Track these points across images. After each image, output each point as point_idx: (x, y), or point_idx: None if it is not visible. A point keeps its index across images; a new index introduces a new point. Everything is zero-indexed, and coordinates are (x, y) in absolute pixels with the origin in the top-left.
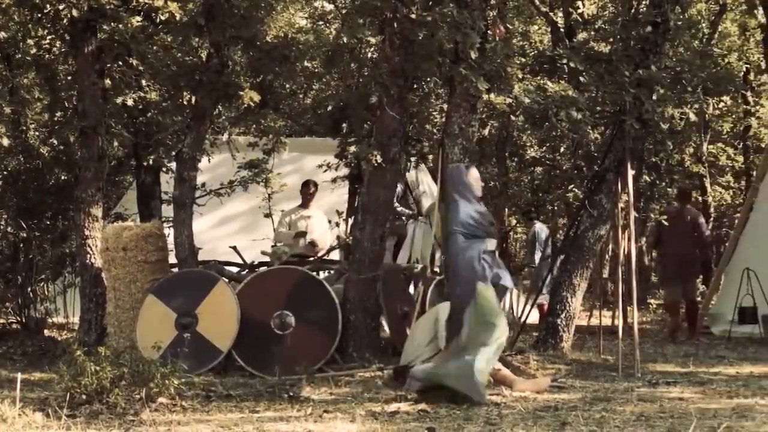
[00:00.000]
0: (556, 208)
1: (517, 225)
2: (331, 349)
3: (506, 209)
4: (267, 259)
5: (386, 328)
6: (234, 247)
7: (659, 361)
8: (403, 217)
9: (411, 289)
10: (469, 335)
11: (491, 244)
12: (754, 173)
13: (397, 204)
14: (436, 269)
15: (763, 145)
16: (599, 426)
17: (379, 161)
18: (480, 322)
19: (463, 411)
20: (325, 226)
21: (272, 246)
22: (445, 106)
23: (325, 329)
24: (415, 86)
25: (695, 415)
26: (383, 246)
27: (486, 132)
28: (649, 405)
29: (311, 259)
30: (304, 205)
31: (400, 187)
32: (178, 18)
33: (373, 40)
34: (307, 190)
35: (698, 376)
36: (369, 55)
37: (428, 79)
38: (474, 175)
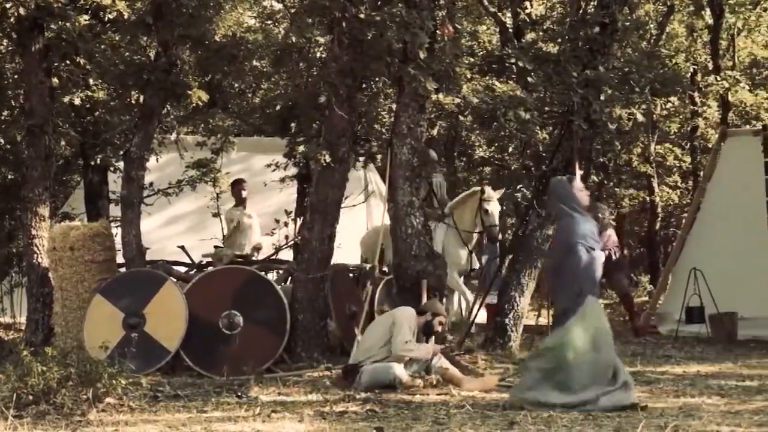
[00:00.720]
0: (504, 208)
1: None
2: (280, 349)
3: None
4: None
5: (334, 327)
6: (182, 247)
7: None
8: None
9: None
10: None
11: (602, 258)
12: (701, 173)
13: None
14: (385, 269)
15: (710, 146)
16: (547, 425)
17: (327, 161)
18: (589, 335)
19: (411, 411)
20: (258, 227)
21: (215, 247)
22: (394, 106)
23: (274, 329)
24: (363, 86)
25: (642, 414)
26: (332, 246)
27: (435, 132)
28: None
29: (256, 259)
30: (241, 203)
31: (423, 190)
32: (126, 17)
33: (321, 40)
34: (239, 189)
35: (645, 376)
36: (318, 54)
37: (377, 78)
38: (578, 186)
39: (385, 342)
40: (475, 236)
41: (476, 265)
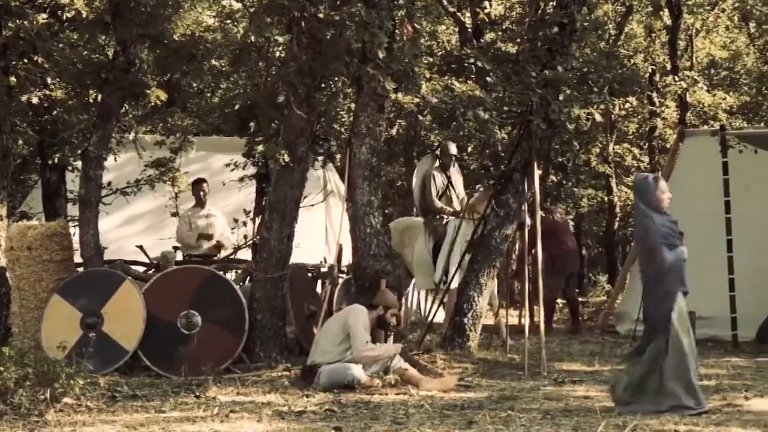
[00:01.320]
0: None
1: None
2: (238, 349)
3: (414, 208)
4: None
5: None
6: (140, 247)
7: (565, 360)
8: (444, 216)
9: (318, 288)
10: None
11: (686, 252)
12: (660, 173)
13: (437, 200)
14: (343, 269)
15: (668, 146)
16: (505, 425)
17: (286, 160)
18: (683, 330)
19: (370, 410)
20: (224, 225)
21: (173, 248)
22: (353, 106)
23: (232, 329)
24: (322, 85)
25: (601, 413)
26: (290, 245)
27: (394, 131)
28: (555, 403)
29: (216, 258)
30: (200, 204)
31: (443, 183)
32: (84, 15)
33: (281, 39)
34: (199, 189)
35: (604, 375)
36: (277, 54)
37: (336, 78)
38: (662, 188)
39: (340, 342)
40: None
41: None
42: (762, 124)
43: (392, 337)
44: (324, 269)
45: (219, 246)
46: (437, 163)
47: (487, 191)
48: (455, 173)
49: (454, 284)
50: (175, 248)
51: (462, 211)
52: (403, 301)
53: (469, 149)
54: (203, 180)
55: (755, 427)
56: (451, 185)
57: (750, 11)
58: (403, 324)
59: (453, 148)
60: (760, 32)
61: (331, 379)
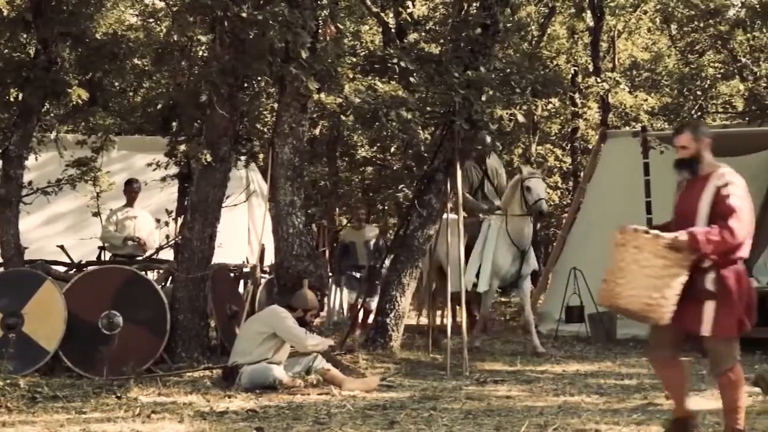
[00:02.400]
0: (386, 207)
1: (348, 225)
2: (160, 349)
3: (337, 209)
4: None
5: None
6: (61, 246)
7: (487, 360)
8: (479, 213)
9: (241, 288)
10: None
11: None
12: (582, 174)
13: (469, 196)
14: (266, 269)
15: (590, 147)
16: (427, 425)
17: (208, 160)
18: None
19: (292, 411)
20: (151, 226)
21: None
22: (276, 106)
23: (154, 329)
24: (245, 85)
25: (522, 413)
26: (212, 245)
27: (317, 131)
28: (477, 403)
29: (139, 258)
30: (130, 203)
31: (477, 177)
32: (5, 13)
33: (203, 39)
34: (131, 189)
35: (525, 375)
36: (200, 53)
37: (259, 78)
38: None
39: (260, 343)
40: (530, 225)
41: (530, 269)
42: None
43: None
44: (246, 269)
45: (141, 245)
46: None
47: (512, 186)
48: (495, 164)
49: (483, 286)
50: (101, 248)
51: (495, 208)
52: (325, 301)
53: (392, 149)
54: (135, 180)
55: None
56: (488, 178)
57: (671, 13)
58: (326, 324)
59: (487, 139)
60: (682, 34)
61: (252, 379)
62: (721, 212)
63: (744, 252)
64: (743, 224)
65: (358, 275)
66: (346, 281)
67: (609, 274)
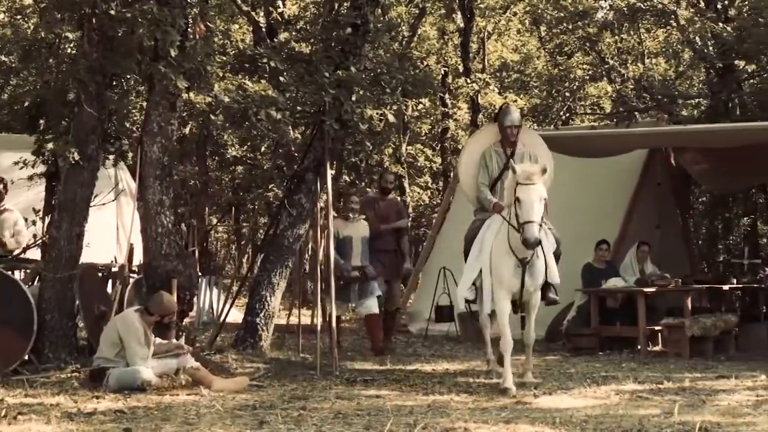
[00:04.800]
0: (256, 207)
1: (218, 224)
2: (26, 350)
3: (207, 208)
4: None
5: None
6: None
7: (357, 359)
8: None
9: (109, 288)
10: None
11: None
12: (451, 174)
13: (484, 188)
14: (134, 268)
15: (459, 147)
16: (297, 424)
17: (76, 159)
18: None
19: (160, 411)
20: (21, 224)
21: None
22: (145, 104)
23: (20, 330)
24: (114, 83)
25: (392, 412)
26: (80, 244)
27: (186, 130)
28: (347, 403)
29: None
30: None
31: (498, 165)
32: None
33: (71, 36)
34: None
35: (395, 374)
36: (68, 50)
37: (127, 76)
38: None
39: (119, 349)
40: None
41: (536, 282)
42: (552, 126)
43: (184, 336)
44: (115, 269)
45: (2, 244)
46: (498, 138)
47: (509, 192)
48: (531, 148)
49: (487, 308)
50: None
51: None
52: (195, 301)
53: (262, 149)
54: (1, 179)
55: (543, 424)
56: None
57: (541, 15)
58: (195, 323)
59: (513, 116)
60: (551, 36)
61: (120, 381)
62: None
63: None
64: None
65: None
66: (339, 294)
67: None
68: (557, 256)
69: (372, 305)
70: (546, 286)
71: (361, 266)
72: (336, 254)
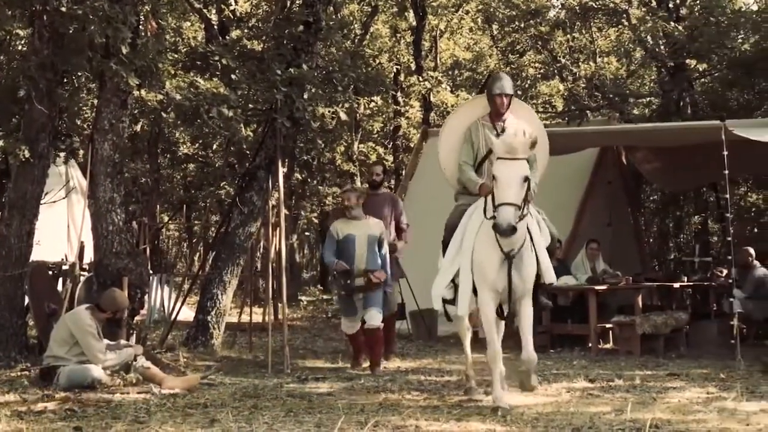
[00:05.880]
0: (208, 204)
1: (170, 222)
2: None
3: (158, 206)
4: None
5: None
6: None
7: (309, 358)
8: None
9: (60, 286)
10: None
11: None
12: (404, 172)
13: (467, 168)
14: (85, 266)
15: (412, 145)
16: (248, 422)
17: (27, 156)
18: None
19: (111, 410)
20: None
21: None
22: (96, 101)
23: None
24: (65, 80)
25: (343, 410)
26: (30, 242)
27: (137, 128)
28: (298, 401)
29: None
30: None
31: (485, 142)
32: None
33: (22, 33)
34: None
35: (347, 372)
36: (18, 47)
37: (78, 73)
38: None
39: (70, 346)
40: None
41: (525, 284)
42: None
43: (135, 335)
44: (65, 267)
45: None
46: (487, 111)
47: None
48: (525, 123)
49: (462, 309)
50: None
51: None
52: (146, 299)
53: (214, 147)
54: None
55: (494, 422)
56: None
57: (493, 14)
58: (146, 322)
59: (504, 83)
60: (503, 34)
61: (70, 380)
62: None
63: None
64: None
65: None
66: (344, 307)
67: None
68: (551, 252)
69: (372, 317)
70: (537, 289)
71: (365, 270)
72: (331, 256)
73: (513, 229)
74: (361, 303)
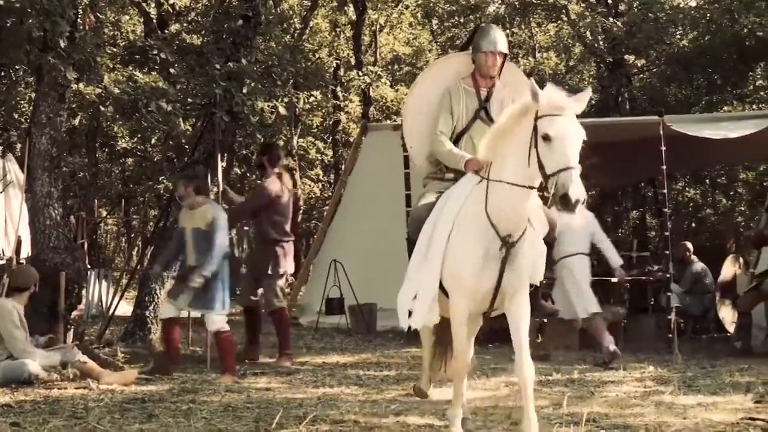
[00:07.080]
0: (146, 199)
1: (108, 216)
2: None
3: (96, 200)
4: None
5: None
6: None
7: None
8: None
9: None
10: None
11: None
12: (343, 167)
13: (444, 141)
14: (22, 261)
15: (351, 140)
16: (186, 417)
17: None
18: None
19: (48, 405)
20: None
21: None
22: (33, 95)
23: None
24: (2, 74)
25: (281, 404)
26: None
27: (76, 122)
28: (237, 396)
29: None
30: None
31: (466, 110)
32: None
33: None
34: None
35: (285, 367)
36: None
37: (16, 66)
38: None
39: (2, 342)
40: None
41: (519, 281)
42: None
43: (72, 330)
44: (2, 261)
45: None
46: (469, 71)
47: (518, 131)
48: (515, 91)
49: (417, 321)
50: None
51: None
52: (83, 294)
53: (153, 141)
54: None
55: (433, 416)
56: (487, 113)
57: (433, 8)
58: (84, 317)
59: (497, 37)
60: (443, 29)
61: (5, 375)
62: None
63: None
64: None
65: None
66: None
67: None
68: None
69: (215, 321)
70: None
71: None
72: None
73: (581, 202)
74: (190, 298)
